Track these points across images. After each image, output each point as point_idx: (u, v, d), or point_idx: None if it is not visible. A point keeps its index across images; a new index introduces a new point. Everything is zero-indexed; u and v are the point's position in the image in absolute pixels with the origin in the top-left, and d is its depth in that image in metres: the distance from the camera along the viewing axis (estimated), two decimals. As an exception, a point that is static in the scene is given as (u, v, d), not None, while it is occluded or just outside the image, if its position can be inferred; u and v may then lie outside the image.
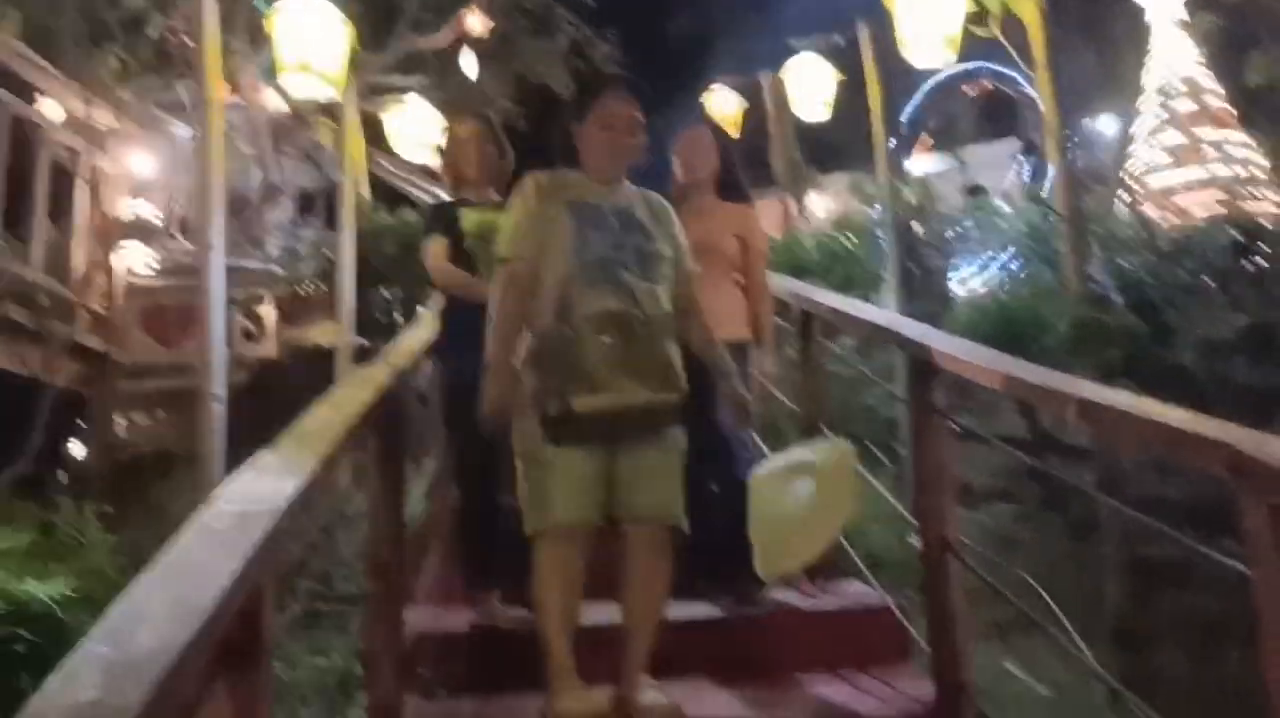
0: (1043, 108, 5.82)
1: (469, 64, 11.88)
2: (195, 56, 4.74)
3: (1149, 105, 14.99)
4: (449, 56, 11.81)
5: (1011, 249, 9.74)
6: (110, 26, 6.93)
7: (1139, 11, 14.64)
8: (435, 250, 4.11)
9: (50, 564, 2.41)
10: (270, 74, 9.06)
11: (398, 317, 9.20)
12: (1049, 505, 6.19)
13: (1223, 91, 14.61)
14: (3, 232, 5.66)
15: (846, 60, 7.67)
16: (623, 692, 3.10)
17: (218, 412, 4.18)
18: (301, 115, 11.22)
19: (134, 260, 7.41)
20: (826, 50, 7.35)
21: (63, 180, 6.49)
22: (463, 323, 3.68)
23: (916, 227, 9.12)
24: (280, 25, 5.48)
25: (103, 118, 6.89)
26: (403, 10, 11.37)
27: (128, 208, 7.43)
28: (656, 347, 3.09)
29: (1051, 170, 7.64)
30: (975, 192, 9.65)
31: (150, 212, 7.83)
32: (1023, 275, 9.59)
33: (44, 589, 2.26)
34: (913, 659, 3.75)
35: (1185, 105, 14.67)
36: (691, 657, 3.52)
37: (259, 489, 1.79)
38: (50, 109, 6.37)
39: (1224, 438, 1.84)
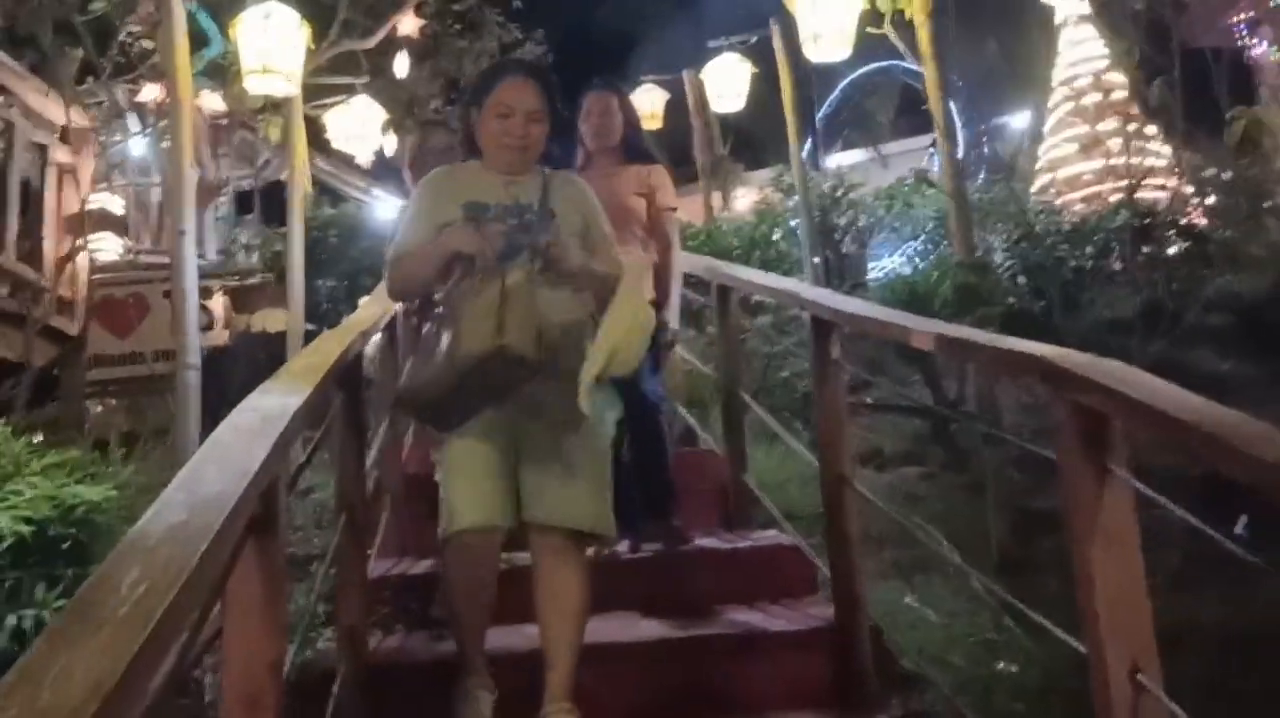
0: (930, 103, 6.36)
1: (400, 64, 12.20)
2: (164, 61, 5.08)
3: (1057, 99, 15.75)
4: (379, 57, 12.09)
5: (922, 233, 10.32)
6: (78, 30, 7.23)
7: (1050, 10, 15.25)
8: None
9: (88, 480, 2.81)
10: (205, 76, 9.38)
11: (342, 305, 9.61)
12: (950, 467, 6.74)
13: (1127, 83, 15.28)
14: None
15: (766, 60, 8.16)
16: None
17: (193, 379, 4.60)
18: (238, 116, 11.47)
19: (102, 251, 7.73)
20: (744, 50, 7.85)
21: (32, 175, 6.83)
22: None
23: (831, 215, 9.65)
24: (243, 31, 5.86)
25: (65, 115, 7.21)
26: (335, 13, 11.63)
27: (91, 201, 7.77)
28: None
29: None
30: (921, 177, 10.21)
31: (113, 204, 8.15)
32: (931, 256, 10.20)
33: (90, 493, 2.67)
34: (820, 591, 4.23)
35: (1092, 98, 15.42)
36: (624, 592, 3.97)
37: (270, 403, 2.23)
38: (18, 107, 6.69)
39: (1037, 353, 2.36)
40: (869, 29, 6.52)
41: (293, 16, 5.95)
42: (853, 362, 8.36)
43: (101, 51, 8.36)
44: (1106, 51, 15.22)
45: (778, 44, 6.92)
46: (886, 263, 11.21)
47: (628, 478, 4.11)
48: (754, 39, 7.74)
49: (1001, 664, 4.03)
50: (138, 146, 12.19)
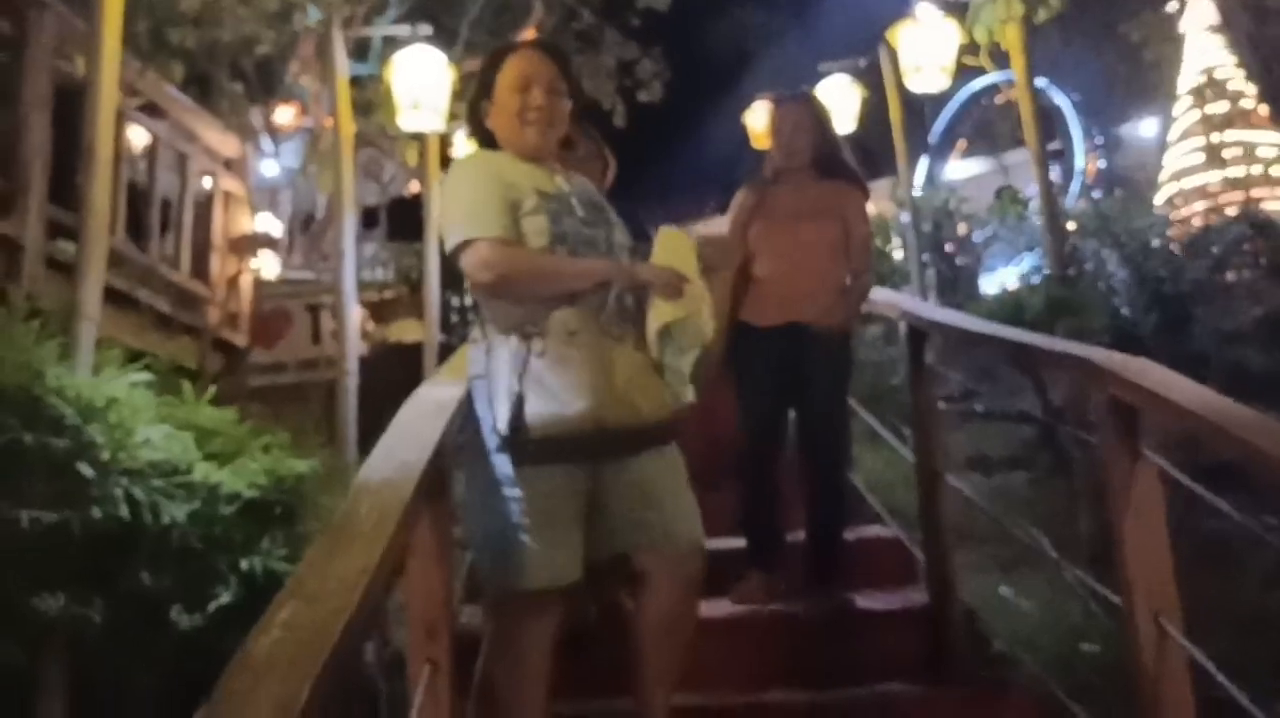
0: (1024, 128, 6.68)
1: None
2: (333, 98, 5.73)
3: (1182, 109, 15.67)
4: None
5: (1036, 246, 10.50)
6: (245, 70, 8.05)
7: (1173, 19, 15.19)
8: None
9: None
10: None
11: (470, 317, 10.28)
12: (1056, 472, 7.00)
13: (1254, 92, 15.14)
14: (161, 245, 6.73)
15: (878, 78, 8.52)
16: None
17: (351, 384, 5.25)
18: (365, 135, 12.22)
19: (263, 269, 8.55)
20: (854, 72, 8.22)
21: (202, 201, 7.65)
22: None
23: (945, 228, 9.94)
24: (397, 70, 6.52)
25: (230, 146, 8.01)
26: (459, 34, 12.24)
27: (252, 223, 8.58)
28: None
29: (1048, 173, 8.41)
30: (1002, 192, 10.44)
31: (274, 227, 8.97)
32: (1044, 269, 10.39)
33: (300, 467, 3.25)
34: (920, 580, 4.60)
35: (1218, 108, 15.31)
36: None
37: (440, 393, 2.75)
38: (191, 139, 7.49)
39: (1079, 353, 2.76)
40: (965, 59, 6.86)
41: (440, 58, 6.59)
42: (965, 372, 8.70)
43: (266, 90, 9.20)
44: (1233, 60, 15.13)
45: (887, 70, 7.31)
46: (1002, 274, 11.43)
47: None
48: (863, 63, 8.09)
49: (1085, 646, 4.35)
50: (270, 168, 13.03)
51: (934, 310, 4.35)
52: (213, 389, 3.61)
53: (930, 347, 4.24)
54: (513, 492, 2.59)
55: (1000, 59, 8.30)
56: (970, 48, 6.88)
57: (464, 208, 2.68)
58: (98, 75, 3.46)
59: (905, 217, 8.57)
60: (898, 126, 7.47)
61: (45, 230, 5.11)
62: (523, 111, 2.74)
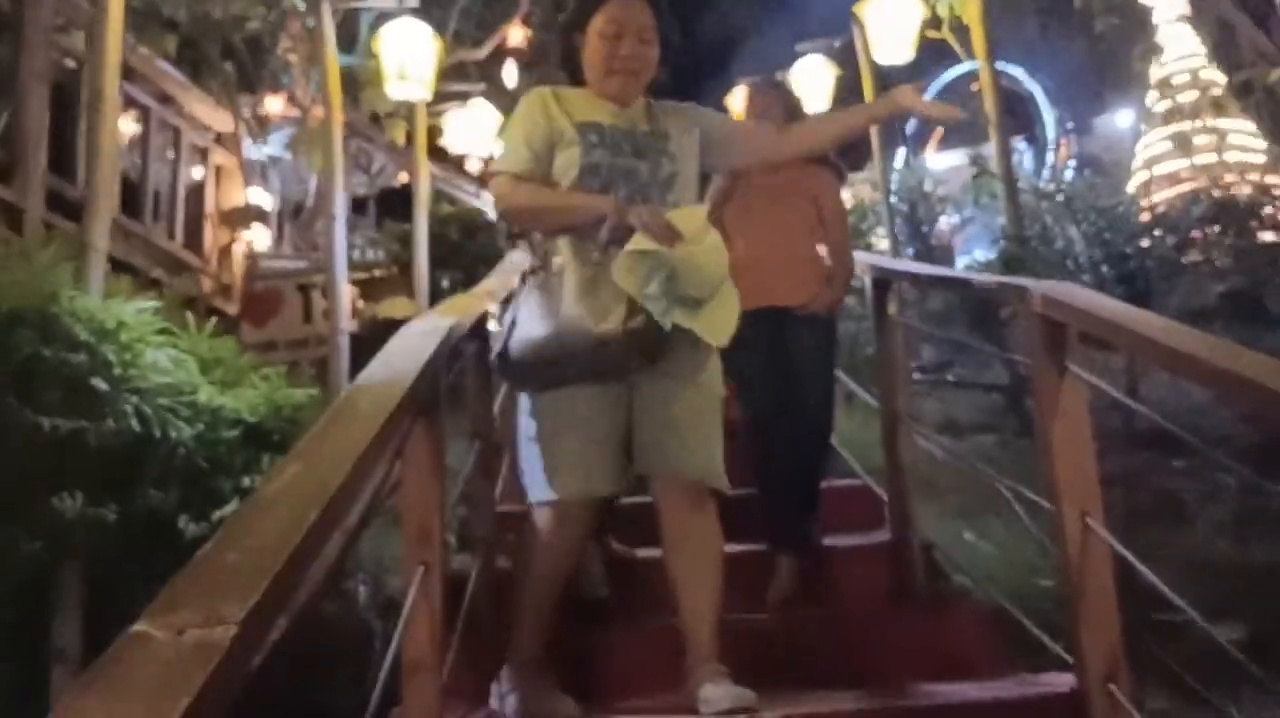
0: (986, 102, 6.96)
1: (509, 74, 13.01)
2: (323, 74, 5.95)
3: (1154, 97, 15.97)
4: (488, 66, 12.87)
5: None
6: (235, 46, 8.25)
7: (1147, 10, 15.46)
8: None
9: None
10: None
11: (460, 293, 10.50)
12: (1022, 434, 7.27)
13: (1223, 81, 15.43)
14: (153, 215, 6.93)
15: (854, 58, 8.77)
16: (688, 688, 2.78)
17: (344, 343, 5.50)
18: (354, 126, 12.41)
19: (255, 241, 8.77)
20: (829, 51, 8.47)
21: (195, 173, 7.86)
22: None
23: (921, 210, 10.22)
24: (385, 41, 6.74)
25: (221, 121, 8.20)
26: (446, 25, 12.44)
27: (244, 197, 8.79)
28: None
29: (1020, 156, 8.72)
30: (980, 174, 10.73)
31: (265, 200, 9.21)
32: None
33: (298, 395, 3.48)
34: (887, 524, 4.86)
35: (1188, 96, 15.61)
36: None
37: (432, 324, 2.98)
38: (184, 114, 7.69)
39: (1014, 282, 3.00)
40: (929, 33, 7.14)
41: (426, 30, 6.82)
42: (938, 346, 8.96)
43: (256, 67, 9.41)
44: (1203, 50, 15.42)
45: (860, 47, 7.57)
46: (979, 255, 11.71)
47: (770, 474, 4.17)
48: (838, 43, 8.33)
49: (1040, 581, 4.60)
50: (258, 154, 13.22)
51: (895, 262, 4.59)
52: (214, 321, 3.82)
53: (893, 297, 4.48)
54: (534, 407, 2.82)
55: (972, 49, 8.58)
56: (935, 23, 7.14)
57: (505, 142, 2.94)
58: (103, 29, 3.67)
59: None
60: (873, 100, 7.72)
61: (45, 199, 5.31)
62: (609, 59, 2.85)
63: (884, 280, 4.47)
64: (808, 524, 4.25)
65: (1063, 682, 2.91)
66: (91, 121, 3.81)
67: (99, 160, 3.66)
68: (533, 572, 2.89)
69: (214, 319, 8.04)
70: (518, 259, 5.60)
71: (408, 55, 6.67)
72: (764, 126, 3.04)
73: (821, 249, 4.33)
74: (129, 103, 6.65)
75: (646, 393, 2.81)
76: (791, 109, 4.48)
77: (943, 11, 7.02)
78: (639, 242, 2.68)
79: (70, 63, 6.17)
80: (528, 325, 2.78)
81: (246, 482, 3.13)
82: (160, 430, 2.96)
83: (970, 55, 7.13)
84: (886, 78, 6.97)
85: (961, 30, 7.54)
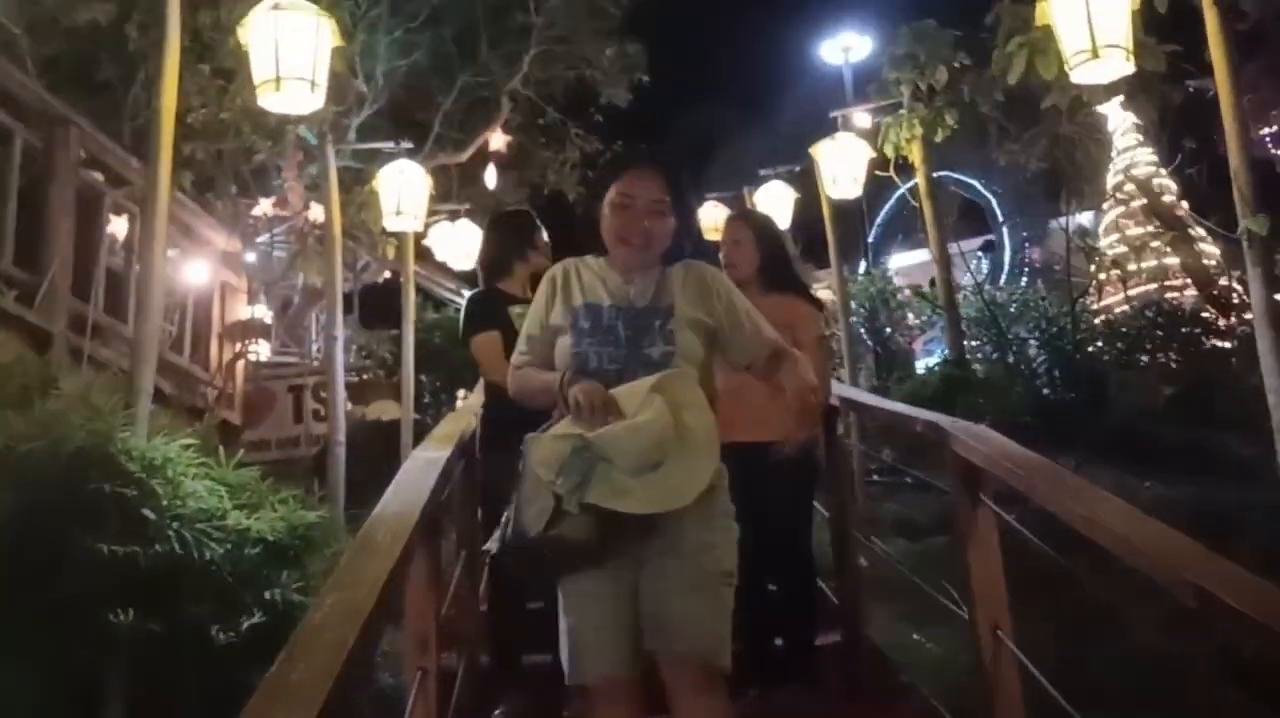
0: (928, 227, 7.57)
1: (489, 176, 13.55)
2: (326, 202, 6.50)
3: (1108, 204, 16.66)
4: (470, 167, 13.41)
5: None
6: (246, 177, 8.84)
7: (1101, 118, 16.17)
8: (489, 344, 4.28)
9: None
10: (313, 188, 10.83)
11: (443, 397, 10.98)
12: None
13: (1175, 188, 16.10)
14: (164, 329, 7.39)
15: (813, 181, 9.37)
16: None
17: (340, 453, 5.96)
18: (344, 229, 12.92)
19: (256, 354, 9.28)
20: (789, 177, 9.13)
21: (201, 293, 8.38)
22: (509, 417, 3.31)
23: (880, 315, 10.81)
24: (382, 181, 7.34)
25: (226, 240, 8.75)
26: (431, 128, 12.95)
27: (248, 311, 9.30)
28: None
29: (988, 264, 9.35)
30: (918, 291, 11.39)
31: (265, 314, 9.72)
32: (979, 352, 11.23)
33: (310, 517, 3.92)
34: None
35: (1140, 203, 16.29)
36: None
37: (430, 455, 3.44)
38: (192, 237, 8.23)
39: (932, 419, 3.50)
40: (878, 172, 7.80)
41: (419, 170, 7.42)
42: (897, 450, 9.40)
43: (262, 192, 10.01)
44: (1156, 158, 16.12)
45: (819, 176, 8.18)
46: (939, 358, 12.25)
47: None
48: (798, 168, 8.98)
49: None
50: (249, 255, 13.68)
51: (841, 389, 5.07)
52: (241, 453, 4.28)
53: (841, 421, 4.97)
54: (558, 588, 2.77)
55: (933, 161, 9.25)
56: (881, 162, 7.79)
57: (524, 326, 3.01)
58: (152, 209, 4.22)
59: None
60: (830, 228, 8.33)
61: (69, 322, 5.79)
62: (617, 230, 2.86)
63: (831, 406, 4.94)
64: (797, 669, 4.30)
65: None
66: (142, 284, 4.30)
67: (148, 318, 4.16)
68: None
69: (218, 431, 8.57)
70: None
71: (403, 192, 7.25)
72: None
73: None
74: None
75: (647, 571, 2.69)
76: (764, 239, 4.52)
77: (889, 151, 7.68)
78: (563, 426, 2.71)
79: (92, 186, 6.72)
80: (502, 528, 2.75)
81: (268, 595, 3.55)
82: (197, 552, 3.40)
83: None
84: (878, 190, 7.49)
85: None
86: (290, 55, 4.99)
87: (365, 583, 2.32)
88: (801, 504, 4.41)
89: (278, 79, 4.99)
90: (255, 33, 5.09)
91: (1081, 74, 4.69)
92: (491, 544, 2.77)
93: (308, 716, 1.74)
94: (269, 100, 5.20)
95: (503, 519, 2.74)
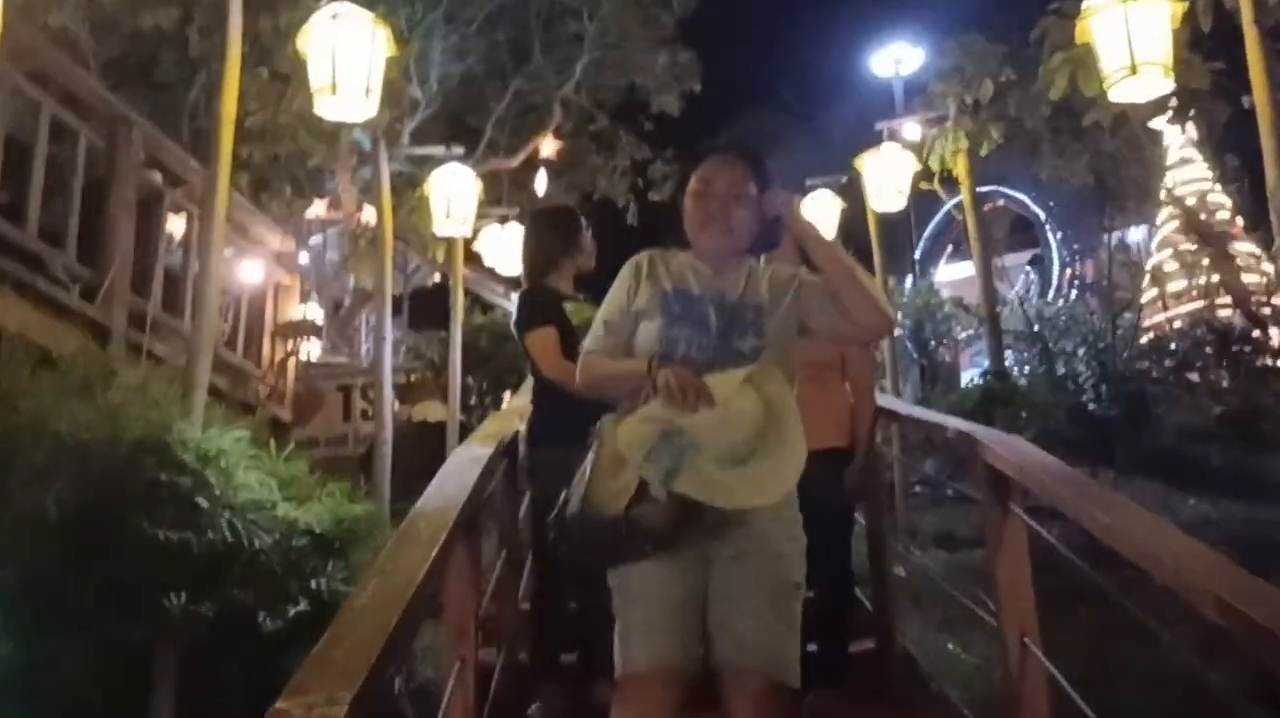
0: (971, 240, 7.60)
1: (540, 182, 13.68)
2: (378, 205, 6.67)
3: (1164, 217, 16.53)
4: (521, 173, 13.57)
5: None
6: (300, 178, 9.06)
7: (1157, 134, 16.04)
8: (549, 342, 4.20)
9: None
10: (366, 191, 11.00)
11: (488, 399, 11.12)
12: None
13: (1230, 204, 15.93)
14: (218, 326, 7.58)
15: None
16: None
17: (386, 450, 6.11)
18: (395, 232, 13.10)
19: (309, 353, 9.48)
20: (836, 187, 9.17)
21: (255, 291, 8.61)
22: (564, 413, 3.37)
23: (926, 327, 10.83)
24: (434, 185, 7.52)
25: (280, 240, 8.95)
26: (484, 133, 13.10)
27: (301, 311, 9.51)
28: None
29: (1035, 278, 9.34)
30: (960, 306, 11.38)
31: (316, 314, 9.96)
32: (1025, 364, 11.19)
33: (356, 510, 4.06)
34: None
35: (1195, 218, 16.14)
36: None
37: (474, 452, 3.55)
38: (248, 237, 8.44)
39: (966, 429, 3.55)
40: (923, 185, 7.85)
41: (469, 173, 7.58)
42: (940, 462, 9.38)
43: (316, 193, 10.24)
44: (1211, 174, 15.97)
45: (864, 187, 8.24)
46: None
47: None
48: (844, 179, 9.04)
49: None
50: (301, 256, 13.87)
51: (877, 398, 5.12)
52: (291, 447, 4.43)
53: (880, 431, 5.02)
54: (611, 580, 2.70)
55: (983, 175, 9.27)
56: (927, 174, 7.85)
57: (601, 314, 2.91)
58: (211, 210, 4.39)
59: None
60: (874, 238, 8.39)
61: (127, 317, 5.98)
62: (698, 215, 2.83)
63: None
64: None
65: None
66: (200, 282, 4.46)
67: (205, 314, 4.33)
68: None
69: (269, 428, 8.76)
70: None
71: (454, 196, 7.41)
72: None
73: (843, 390, 4.46)
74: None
75: (717, 575, 2.65)
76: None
77: (934, 164, 7.74)
78: (651, 408, 2.63)
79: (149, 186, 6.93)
80: (570, 506, 2.67)
81: (313, 584, 3.68)
82: (247, 540, 3.53)
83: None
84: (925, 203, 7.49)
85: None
86: (347, 63, 5.15)
87: (406, 571, 2.43)
88: (843, 513, 4.48)
89: (334, 85, 5.16)
90: (313, 41, 5.28)
91: (1120, 91, 4.72)
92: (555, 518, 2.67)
93: (348, 690, 1.84)
94: (325, 106, 5.36)
95: (561, 499, 2.67)
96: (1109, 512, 2.72)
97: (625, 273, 2.91)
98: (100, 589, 3.23)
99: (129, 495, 3.42)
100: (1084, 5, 4.79)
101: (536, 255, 4.57)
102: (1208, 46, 5.56)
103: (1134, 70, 4.54)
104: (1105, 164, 11.33)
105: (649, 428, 2.57)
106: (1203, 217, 16.07)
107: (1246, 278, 14.92)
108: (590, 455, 2.67)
